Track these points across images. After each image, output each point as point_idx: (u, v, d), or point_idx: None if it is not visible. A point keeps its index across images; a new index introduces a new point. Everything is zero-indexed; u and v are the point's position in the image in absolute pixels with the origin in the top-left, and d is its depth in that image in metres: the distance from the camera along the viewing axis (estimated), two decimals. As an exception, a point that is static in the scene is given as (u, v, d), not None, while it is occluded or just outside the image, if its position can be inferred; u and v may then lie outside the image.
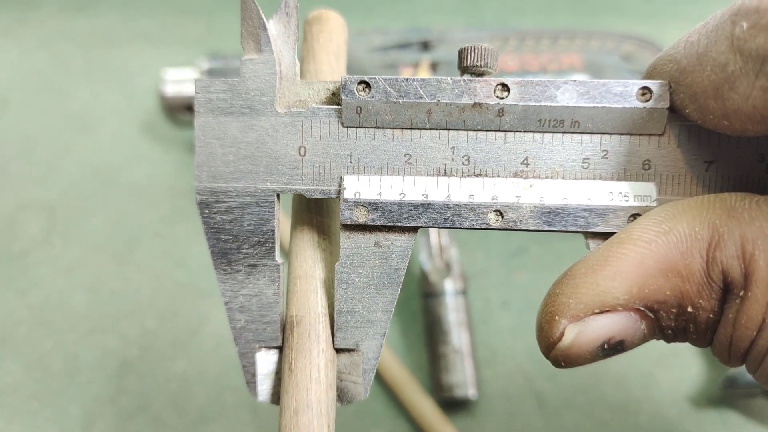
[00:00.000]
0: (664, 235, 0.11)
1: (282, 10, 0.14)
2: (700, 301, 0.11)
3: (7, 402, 0.28)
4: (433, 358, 0.27)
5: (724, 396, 0.27)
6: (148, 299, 0.31)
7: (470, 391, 0.26)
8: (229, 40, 0.37)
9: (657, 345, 0.30)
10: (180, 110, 0.36)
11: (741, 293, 0.11)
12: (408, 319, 0.30)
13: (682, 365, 0.29)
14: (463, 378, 0.26)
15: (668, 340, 0.12)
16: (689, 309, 0.11)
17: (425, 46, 0.34)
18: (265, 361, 0.14)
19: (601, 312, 0.11)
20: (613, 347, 0.12)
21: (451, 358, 0.26)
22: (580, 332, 0.11)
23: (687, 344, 0.33)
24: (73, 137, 0.41)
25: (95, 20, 0.50)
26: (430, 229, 0.29)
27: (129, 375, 0.28)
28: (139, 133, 0.42)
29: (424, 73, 0.32)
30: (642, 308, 0.11)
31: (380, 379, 0.28)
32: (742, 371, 0.25)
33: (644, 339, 0.12)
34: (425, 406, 0.26)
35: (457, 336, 0.26)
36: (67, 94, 0.44)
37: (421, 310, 0.29)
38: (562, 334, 0.12)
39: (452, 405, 0.27)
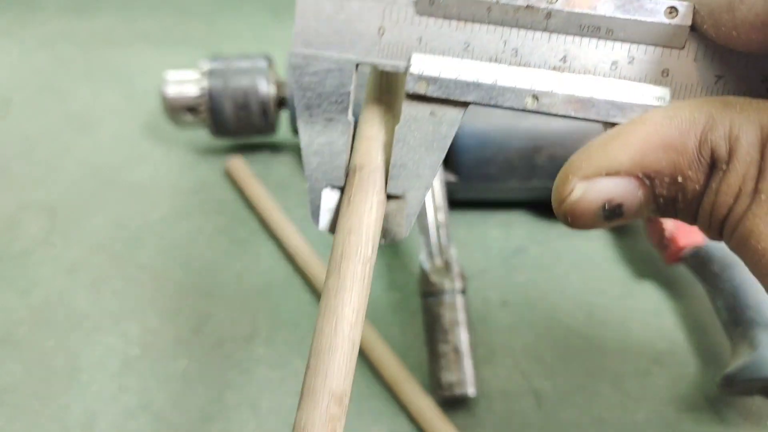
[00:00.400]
0: (669, 119, 0.13)
1: None
2: (690, 172, 0.13)
3: (9, 401, 0.28)
4: (433, 356, 0.27)
5: (721, 394, 0.27)
6: (149, 298, 0.32)
7: (469, 390, 0.26)
8: (230, 41, 0.37)
9: (654, 343, 0.30)
10: (181, 111, 0.36)
11: (724, 167, 0.13)
12: (407, 318, 0.31)
13: (679, 364, 0.29)
14: (462, 376, 0.26)
15: (660, 211, 0.14)
16: (679, 179, 0.13)
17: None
18: (329, 197, 0.17)
19: (607, 175, 0.13)
20: (613, 209, 0.14)
21: (451, 356, 0.26)
22: (587, 190, 0.14)
23: (684, 344, 0.33)
24: (74, 137, 0.41)
25: (96, 21, 0.50)
26: (430, 230, 0.29)
27: (130, 374, 0.29)
28: (140, 133, 0.42)
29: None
30: (641, 176, 0.14)
31: (380, 378, 0.28)
32: (739, 371, 0.25)
33: (640, 206, 0.14)
34: (424, 405, 0.26)
35: (457, 335, 0.26)
36: (68, 95, 0.44)
37: (420, 309, 0.30)
38: (572, 190, 0.14)
39: (451, 403, 0.27)
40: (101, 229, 0.35)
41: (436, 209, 0.29)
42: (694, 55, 0.15)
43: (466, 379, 0.26)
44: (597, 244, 0.34)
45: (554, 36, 0.16)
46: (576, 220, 0.14)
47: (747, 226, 0.13)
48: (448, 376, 0.26)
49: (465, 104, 0.16)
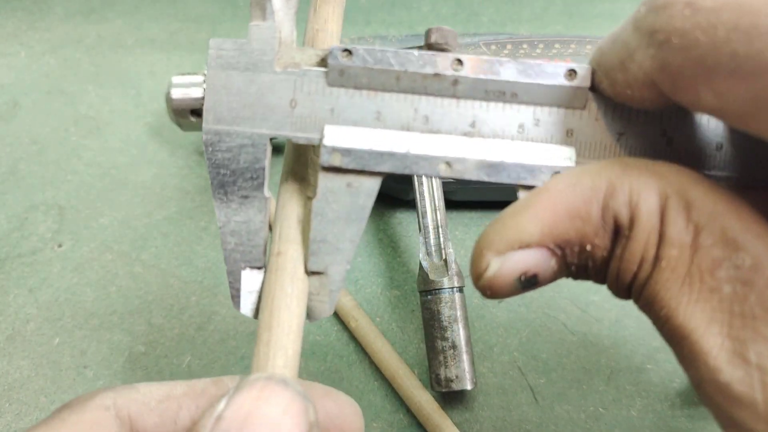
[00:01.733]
0: (572, 187, 0.14)
1: None
2: (596, 240, 0.14)
3: (17, 397, 0.28)
4: (431, 352, 0.27)
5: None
6: (155, 296, 0.32)
7: (467, 385, 0.26)
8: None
9: (648, 340, 0.31)
10: (186, 113, 0.37)
11: (627, 234, 0.14)
12: (406, 315, 0.31)
13: (673, 360, 0.29)
14: (460, 372, 0.26)
15: (574, 276, 0.15)
16: (588, 247, 0.14)
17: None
18: (249, 279, 0.17)
19: (520, 248, 0.14)
20: (529, 279, 0.14)
21: (449, 352, 0.27)
22: (502, 264, 0.14)
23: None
24: (81, 139, 0.42)
25: (103, 26, 0.51)
26: (429, 229, 0.30)
27: (136, 370, 0.29)
28: (147, 135, 0.42)
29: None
30: (552, 246, 0.14)
31: (379, 373, 0.29)
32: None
33: (554, 274, 0.14)
34: (423, 400, 0.27)
35: (455, 331, 0.27)
36: (75, 98, 0.45)
37: (419, 307, 0.30)
38: (488, 265, 0.14)
39: (449, 398, 0.28)
40: (108, 228, 0.36)
41: (435, 210, 0.30)
42: (596, 114, 0.16)
43: (464, 374, 0.26)
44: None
45: (463, 102, 0.16)
46: (495, 293, 0.14)
47: (650, 291, 0.13)
48: (446, 372, 0.26)
49: (381, 174, 0.16)
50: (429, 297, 0.28)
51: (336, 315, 0.31)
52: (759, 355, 0.11)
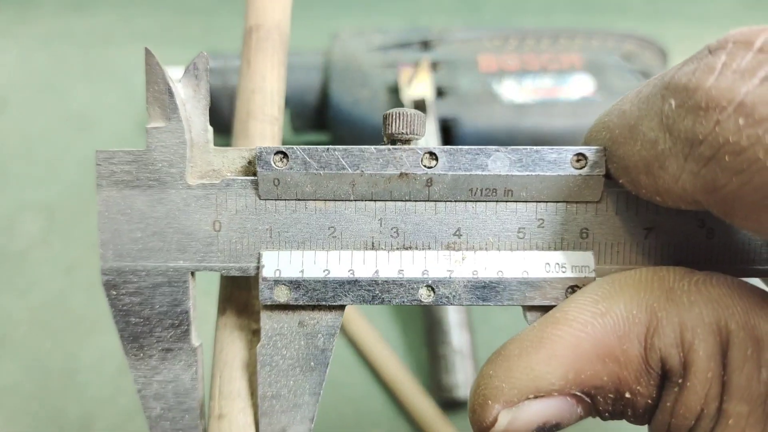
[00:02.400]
0: (601, 317, 0.11)
1: (191, 72, 0.13)
2: (638, 387, 0.11)
3: (7, 402, 0.28)
4: (434, 358, 0.27)
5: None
6: (148, 299, 0.31)
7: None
8: (228, 39, 0.37)
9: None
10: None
11: (679, 381, 0.10)
12: (408, 320, 0.30)
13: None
14: (463, 378, 0.26)
15: (604, 419, 0.12)
16: (627, 395, 0.11)
17: (425, 45, 0.34)
18: None
19: (536, 397, 0.11)
20: (549, 430, 0.11)
21: (452, 358, 0.26)
22: (514, 418, 0.11)
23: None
24: (72, 137, 0.41)
25: (94, 20, 0.50)
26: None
27: (127, 375, 0.28)
28: (138, 132, 0.42)
29: (424, 73, 0.32)
30: (578, 393, 0.11)
31: (380, 379, 0.28)
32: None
33: (580, 419, 0.12)
34: (425, 406, 0.26)
35: (458, 336, 0.26)
36: (66, 94, 0.44)
37: (421, 311, 0.29)
38: (496, 419, 0.11)
39: (452, 405, 0.27)
40: (99, 229, 0.35)
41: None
42: (615, 208, 0.13)
43: (467, 381, 0.26)
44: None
45: (441, 206, 0.13)
46: None
47: None
48: (448, 378, 0.26)
49: (342, 307, 0.13)
50: (431, 300, 0.27)
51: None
52: None
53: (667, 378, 0.11)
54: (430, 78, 0.31)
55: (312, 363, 0.13)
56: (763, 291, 0.11)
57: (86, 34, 0.49)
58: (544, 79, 0.32)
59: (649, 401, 0.11)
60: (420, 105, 0.30)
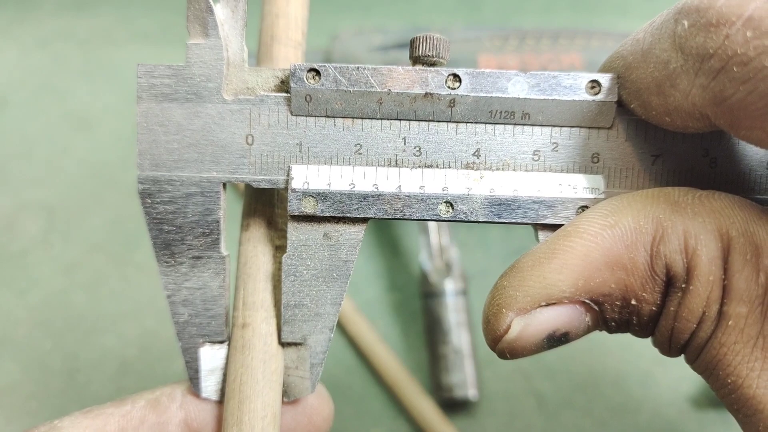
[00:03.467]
0: (610, 229, 0.11)
1: None
2: (644, 294, 0.11)
3: (7, 402, 0.28)
4: (434, 358, 0.27)
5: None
6: (148, 299, 0.31)
7: (470, 392, 0.26)
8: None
9: (657, 345, 0.30)
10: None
11: (683, 286, 0.11)
12: (408, 319, 0.30)
13: (681, 364, 0.29)
14: (463, 378, 0.26)
15: (611, 331, 0.13)
16: (633, 302, 0.12)
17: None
18: (210, 356, 0.14)
19: (548, 305, 0.12)
20: (558, 339, 0.12)
21: (452, 358, 0.26)
22: (527, 325, 0.12)
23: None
24: (72, 137, 0.41)
25: (94, 20, 0.50)
26: (430, 230, 0.29)
27: (128, 374, 0.28)
28: (139, 132, 0.41)
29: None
30: (587, 300, 0.12)
31: (379, 379, 0.28)
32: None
33: (588, 330, 0.12)
34: (425, 406, 0.26)
35: (458, 336, 0.26)
36: (66, 94, 0.44)
37: (421, 310, 0.29)
38: (509, 327, 0.12)
39: (452, 405, 0.27)
40: (99, 228, 0.35)
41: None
42: (625, 134, 0.13)
43: (467, 380, 0.26)
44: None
45: (462, 127, 0.13)
46: (516, 355, 0.12)
47: (713, 354, 0.11)
48: (448, 378, 0.26)
49: (365, 220, 0.14)
50: (431, 300, 0.27)
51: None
52: None
53: (671, 285, 0.11)
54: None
55: (334, 274, 0.14)
56: (761, 206, 0.12)
57: (86, 34, 0.49)
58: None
59: (654, 308, 0.12)
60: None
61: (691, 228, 0.11)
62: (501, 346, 0.12)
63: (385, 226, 0.34)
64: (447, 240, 0.28)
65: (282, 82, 0.14)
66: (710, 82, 0.10)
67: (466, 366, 0.26)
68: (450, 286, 0.27)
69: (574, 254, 0.11)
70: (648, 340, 0.32)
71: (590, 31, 0.36)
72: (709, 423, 0.27)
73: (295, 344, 0.14)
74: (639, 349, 0.29)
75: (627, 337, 0.30)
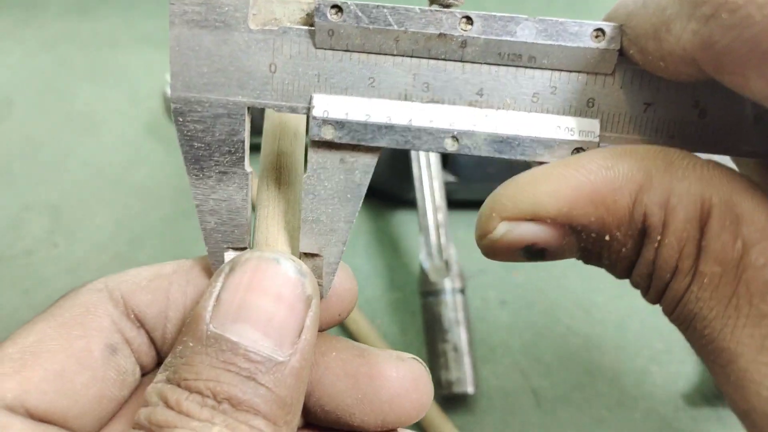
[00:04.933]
0: (605, 170, 0.12)
1: None
2: (618, 233, 0.13)
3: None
4: (433, 355, 0.27)
5: (719, 393, 0.27)
6: (151, 298, 0.32)
7: (468, 388, 0.26)
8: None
9: (652, 342, 0.30)
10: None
11: (658, 238, 0.12)
12: (407, 317, 0.31)
13: (676, 362, 0.29)
14: (461, 375, 0.26)
15: (585, 260, 0.14)
16: (606, 238, 0.13)
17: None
18: None
19: (532, 220, 0.13)
20: (535, 253, 0.13)
21: (450, 355, 0.26)
22: (510, 231, 0.13)
23: (681, 342, 0.33)
24: (76, 138, 0.42)
25: (98, 23, 0.51)
26: (430, 229, 0.29)
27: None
28: (143, 133, 0.42)
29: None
30: (566, 227, 0.13)
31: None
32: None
33: (563, 253, 0.14)
34: (424, 403, 0.27)
35: (456, 334, 0.26)
36: (70, 96, 0.45)
37: (420, 308, 0.30)
38: (494, 228, 0.13)
39: (451, 401, 0.27)
40: (103, 228, 0.35)
41: (435, 209, 0.29)
42: (621, 82, 0.14)
43: (466, 377, 0.26)
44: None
45: (469, 67, 0.14)
46: (495, 255, 0.14)
47: (689, 308, 0.12)
48: (447, 375, 0.26)
49: (378, 149, 0.15)
50: (430, 299, 0.27)
51: (335, 316, 0.30)
52: None
53: (647, 235, 0.12)
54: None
55: (348, 195, 0.15)
56: (749, 182, 0.12)
57: (90, 36, 0.50)
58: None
59: (623, 249, 0.13)
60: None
61: (677, 188, 0.12)
62: (484, 242, 0.14)
63: (386, 227, 0.35)
64: (446, 240, 0.29)
65: (307, 15, 0.15)
66: (701, 27, 0.11)
67: (465, 363, 0.26)
68: (449, 285, 0.27)
69: (567, 183, 0.13)
70: (643, 343, 0.32)
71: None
72: (703, 420, 0.27)
73: (312, 255, 0.15)
74: (635, 348, 0.30)
75: (623, 337, 0.31)
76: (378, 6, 0.14)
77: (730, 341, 0.11)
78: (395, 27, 0.14)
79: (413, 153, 0.29)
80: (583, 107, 0.14)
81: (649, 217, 0.12)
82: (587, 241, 0.13)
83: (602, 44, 0.14)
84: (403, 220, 0.35)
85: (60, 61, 0.48)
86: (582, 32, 0.14)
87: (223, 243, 0.16)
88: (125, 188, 0.38)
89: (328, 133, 0.14)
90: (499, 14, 0.14)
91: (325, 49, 0.14)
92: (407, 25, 0.14)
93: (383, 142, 0.14)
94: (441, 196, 0.30)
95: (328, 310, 0.16)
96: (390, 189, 0.34)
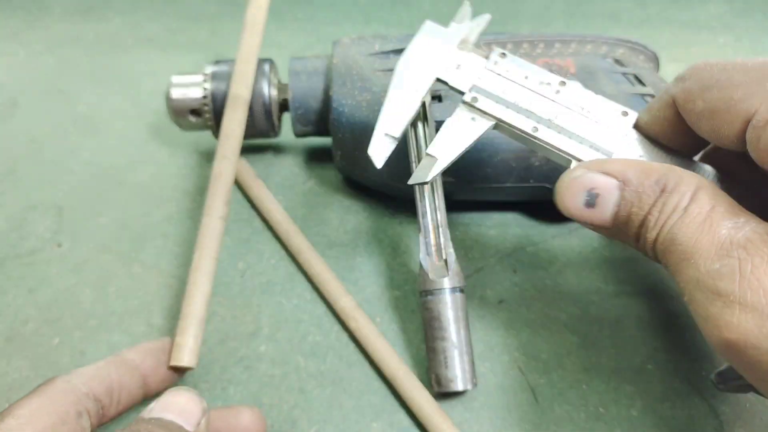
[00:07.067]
0: (644, 161, 0.20)
1: None
2: (645, 188, 0.18)
3: (16, 397, 0.28)
4: (432, 353, 0.27)
5: (716, 391, 0.28)
6: (154, 297, 0.32)
7: (467, 385, 0.26)
8: (234, 44, 0.38)
9: (649, 341, 0.31)
10: (185, 113, 0.37)
11: (669, 191, 0.18)
12: (407, 315, 0.31)
13: (673, 360, 0.29)
14: (460, 372, 0.26)
15: (614, 227, 0.19)
16: (639, 189, 0.18)
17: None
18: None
19: (603, 173, 0.19)
20: (593, 196, 0.19)
21: (449, 353, 0.27)
22: (584, 173, 0.19)
23: (678, 341, 0.33)
24: (80, 139, 0.42)
25: (102, 25, 0.51)
26: (430, 229, 0.30)
27: (135, 370, 0.29)
28: (146, 135, 0.42)
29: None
30: (620, 180, 0.19)
31: (379, 374, 0.29)
32: (732, 368, 0.25)
33: (608, 206, 0.19)
34: (424, 400, 0.27)
35: (455, 332, 0.27)
36: (74, 97, 0.45)
37: (419, 307, 0.30)
38: (574, 170, 0.20)
39: (450, 398, 0.28)
40: (107, 228, 0.36)
41: (434, 210, 0.29)
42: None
43: (464, 375, 0.26)
44: (592, 243, 0.35)
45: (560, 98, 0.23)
46: (563, 191, 0.19)
47: (673, 231, 0.17)
48: (446, 372, 0.26)
49: (494, 119, 0.23)
50: (429, 297, 0.28)
51: (336, 315, 0.31)
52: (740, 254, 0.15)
53: (661, 196, 0.18)
54: (429, 82, 0.32)
55: (466, 137, 0.24)
56: (712, 181, 0.20)
57: (94, 38, 0.50)
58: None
59: (642, 212, 0.18)
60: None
61: (684, 177, 0.18)
62: (561, 182, 0.19)
63: (386, 227, 0.35)
64: (445, 240, 0.29)
65: (486, 56, 0.26)
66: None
67: (464, 361, 0.27)
68: (448, 284, 0.27)
69: (626, 161, 0.19)
70: (640, 341, 0.32)
71: (584, 37, 0.36)
72: (700, 418, 0.27)
73: (432, 156, 0.23)
74: (632, 346, 0.30)
75: (621, 335, 0.31)
76: (519, 61, 0.25)
77: (686, 237, 0.17)
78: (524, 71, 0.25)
79: (412, 154, 0.29)
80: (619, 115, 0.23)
81: (667, 184, 0.18)
82: (628, 194, 0.18)
83: (627, 118, 0.23)
84: (402, 220, 0.35)
85: (64, 62, 0.48)
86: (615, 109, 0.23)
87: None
88: (129, 189, 0.38)
89: (472, 99, 0.23)
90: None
91: (488, 70, 0.24)
92: (530, 76, 0.24)
93: (499, 115, 0.23)
94: (440, 196, 0.30)
95: None
96: (390, 189, 0.34)
